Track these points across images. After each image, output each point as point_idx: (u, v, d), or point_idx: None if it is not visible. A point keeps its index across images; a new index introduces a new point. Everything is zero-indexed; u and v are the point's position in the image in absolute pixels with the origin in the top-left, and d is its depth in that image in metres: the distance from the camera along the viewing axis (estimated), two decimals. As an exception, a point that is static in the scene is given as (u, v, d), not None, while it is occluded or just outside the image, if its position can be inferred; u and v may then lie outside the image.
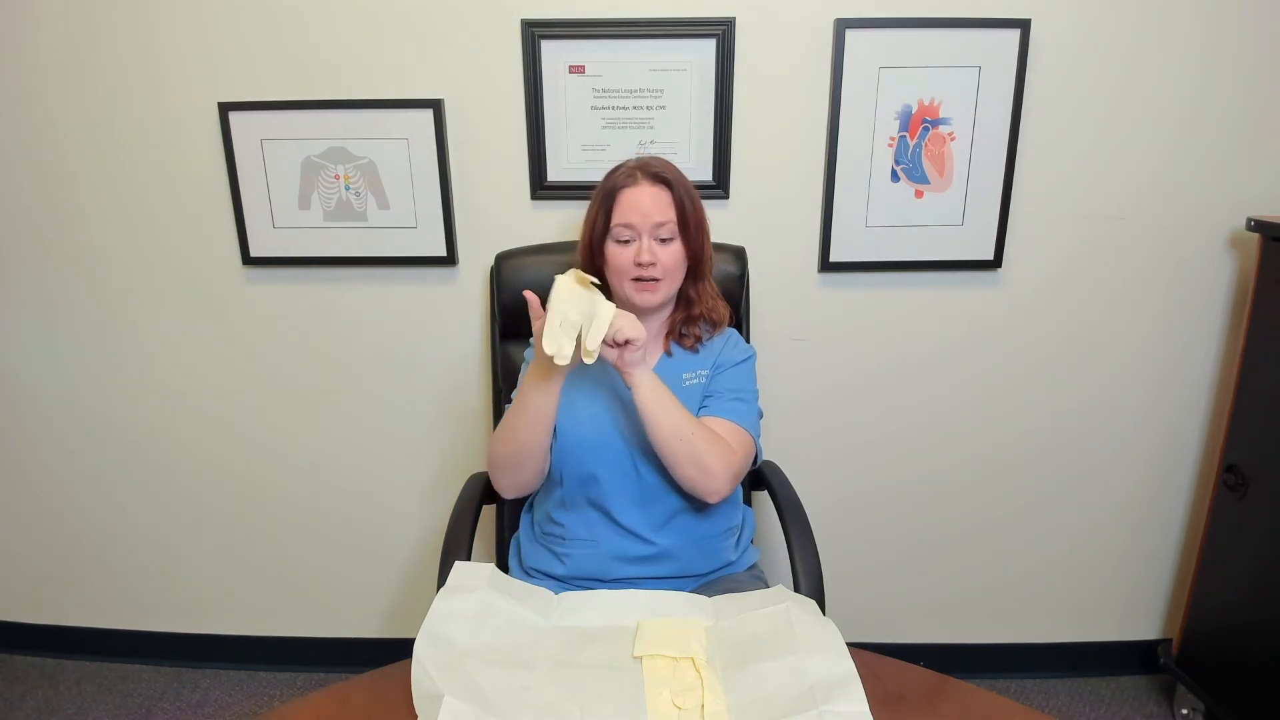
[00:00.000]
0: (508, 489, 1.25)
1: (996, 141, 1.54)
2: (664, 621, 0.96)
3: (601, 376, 1.22)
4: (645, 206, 1.18)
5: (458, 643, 0.89)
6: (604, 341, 1.06)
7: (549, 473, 1.23)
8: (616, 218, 1.19)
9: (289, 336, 1.72)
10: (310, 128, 1.56)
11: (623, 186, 1.19)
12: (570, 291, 1.04)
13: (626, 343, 1.08)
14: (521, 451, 1.17)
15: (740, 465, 1.19)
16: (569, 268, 1.34)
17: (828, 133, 1.55)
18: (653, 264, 1.18)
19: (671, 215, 1.19)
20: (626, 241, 1.19)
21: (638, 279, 1.19)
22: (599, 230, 1.21)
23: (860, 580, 1.85)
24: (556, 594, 1.03)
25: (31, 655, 1.98)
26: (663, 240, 1.19)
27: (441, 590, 0.98)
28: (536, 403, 1.13)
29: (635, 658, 0.90)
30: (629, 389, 1.13)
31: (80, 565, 1.92)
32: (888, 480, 1.79)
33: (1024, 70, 1.50)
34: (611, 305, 1.05)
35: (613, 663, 0.90)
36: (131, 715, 1.80)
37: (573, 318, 1.02)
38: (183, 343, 1.73)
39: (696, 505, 1.22)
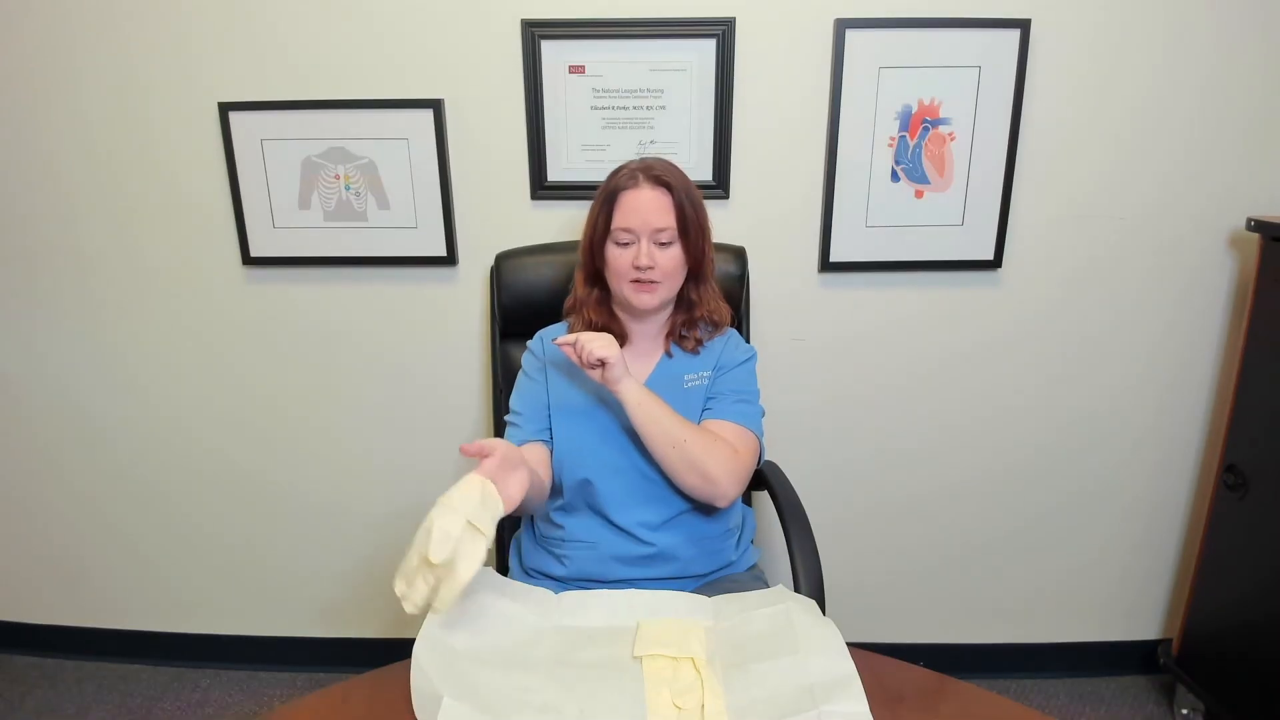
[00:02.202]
0: (515, 512, 1.27)
1: (996, 141, 1.54)
2: (664, 621, 0.96)
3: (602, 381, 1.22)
4: (645, 210, 1.18)
5: (457, 644, 0.89)
6: (586, 364, 1.12)
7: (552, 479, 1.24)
8: (617, 220, 1.19)
9: (288, 337, 1.72)
10: (310, 128, 1.56)
11: (624, 189, 1.19)
12: (449, 529, 0.89)
13: (602, 363, 1.11)
14: (526, 502, 1.19)
15: (746, 467, 1.20)
16: (570, 269, 1.35)
17: (828, 132, 1.55)
18: (651, 267, 1.18)
19: (671, 220, 1.19)
20: (626, 244, 1.19)
21: (636, 281, 1.20)
22: (600, 232, 1.22)
23: (859, 581, 1.85)
24: (556, 594, 1.03)
25: (31, 655, 1.98)
26: (662, 244, 1.19)
27: None
28: (534, 478, 1.10)
29: (635, 658, 0.90)
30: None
31: (80, 565, 1.92)
32: (886, 480, 1.79)
33: (1024, 70, 1.50)
34: (478, 563, 0.88)
35: (613, 663, 0.90)
36: (131, 715, 1.80)
37: (437, 558, 0.87)
38: (184, 343, 1.73)
39: (702, 506, 1.22)
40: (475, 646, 0.89)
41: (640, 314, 1.25)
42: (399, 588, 0.90)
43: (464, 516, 0.90)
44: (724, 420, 1.21)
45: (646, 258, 1.17)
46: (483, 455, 0.98)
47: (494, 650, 0.90)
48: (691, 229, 1.20)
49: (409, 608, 0.89)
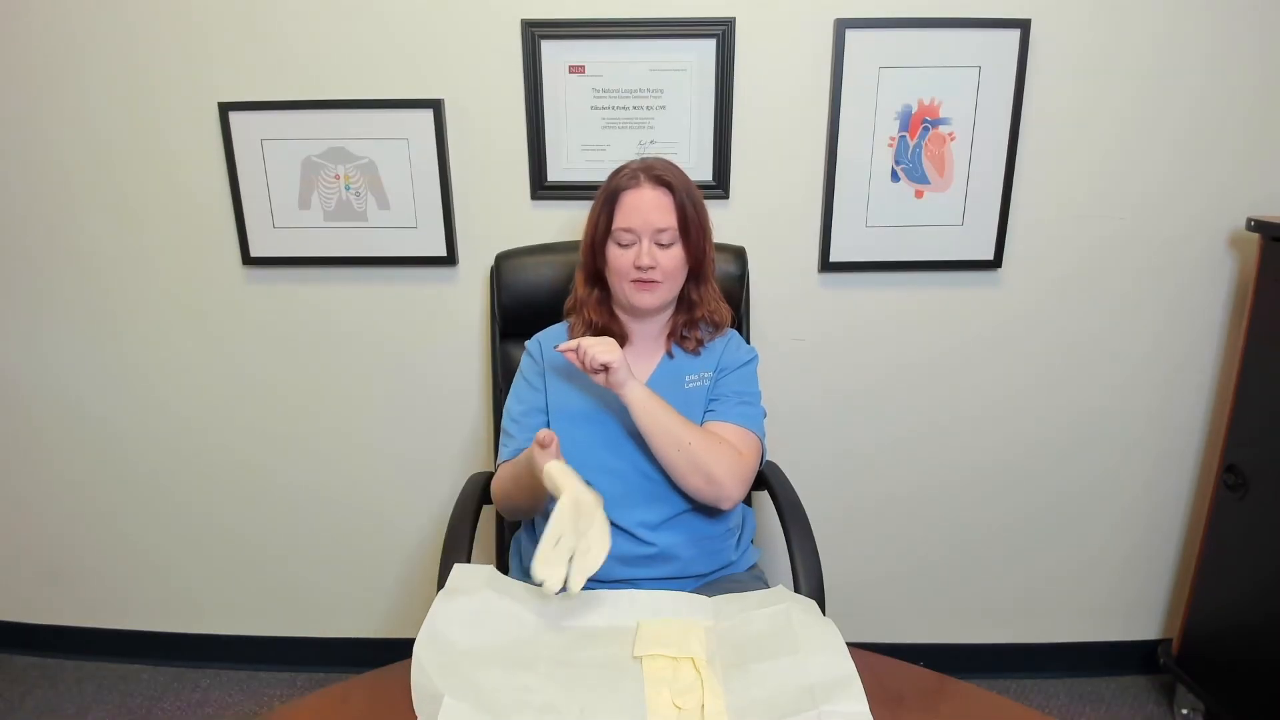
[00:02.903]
0: (512, 518, 1.31)
1: (996, 141, 1.54)
2: (664, 621, 0.96)
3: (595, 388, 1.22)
4: (646, 210, 1.18)
5: (457, 644, 0.89)
6: (589, 369, 1.12)
7: None
8: (618, 221, 1.19)
9: (288, 336, 1.72)
10: (310, 128, 1.56)
11: (625, 189, 1.19)
12: (574, 512, 0.99)
13: (605, 368, 1.11)
14: (522, 509, 1.22)
15: (749, 470, 1.20)
16: (570, 269, 1.36)
17: (828, 132, 1.55)
18: (652, 267, 1.18)
19: (673, 220, 1.19)
20: (628, 244, 1.19)
21: (637, 280, 1.20)
22: (601, 232, 1.22)
23: (859, 581, 1.85)
24: (556, 593, 1.03)
25: (31, 655, 1.98)
26: (663, 244, 1.19)
27: (440, 593, 0.97)
28: (535, 484, 1.10)
29: (635, 658, 0.90)
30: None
31: (80, 565, 1.91)
32: (886, 481, 1.79)
33: (1024, 70, 1.50)
34: (607, 539, 0.99)
35: (613, 663, 0.89)
36: (131, 715, 1.80)
37: (568, 541, 0.97)
38: (183, 342, 1.73)
39: (703, 506, 1.22)
40: (476, 645, 0.90)
41: (641, 314, 1.25)
42: (540, 572, 0.94)
43: (588, 496, 1.01)
44: (726, 423, 1.21)
45: (648, 258, 1.17)
46: (546, 445, 1.05)
47: (494, 650, 0.90)
48: (693, 229, 1.20)
49: (552, 588, 0.94)
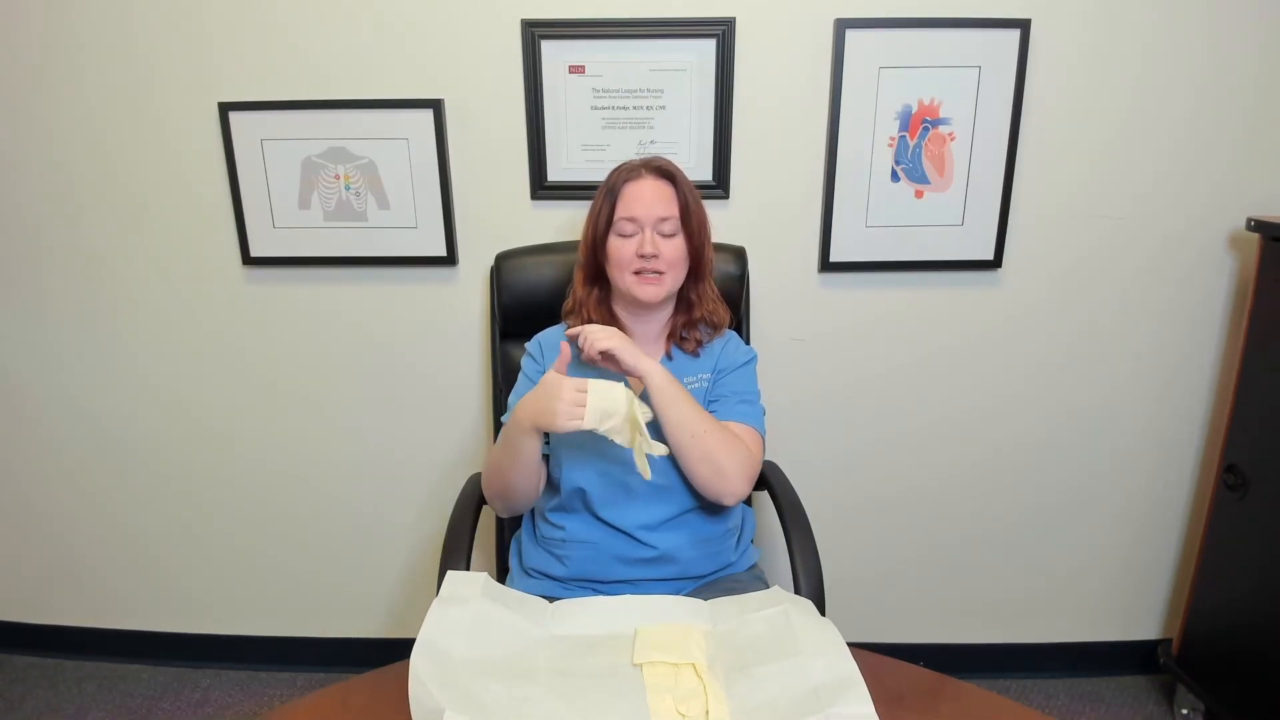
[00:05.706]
0: (503, 512, 1.29)
1: (996, 141, 1.54)
2: (662, 628, 0.95)
3: (600, 377, 1.22)
4: (649, 200, 1.19)
5: (455, 655, 0.87)
6: (588, 356, 1.14)
7: (548, 478, 1.24)
8: (620, 211, 1.20)
9: (289, 336, 1.72)
10: (310, 128, 1.56)
11: (627, 181, 1.20)
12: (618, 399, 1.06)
13: (610, 355, 1.12)
14: (511, 488, 1.20)
15: (756, 467, 1.20)
16: (570, 269, 1.36)
17: (828, 133, 1.55)
18: (655, 256, 1.18)
19: (674, 210, 1.19)
20: (629, 235, 1.20)
21: (639, 272, 1.20)
22: (602, 225, 1.22)
23: (859, 581, 1.85)
24: (551, 602, 1.02)
25: (31, 655, 1.98)
26: (665, 234, 1.20)
27: (435, 602, 0.95)
28: (522, 446, 1.13)
29: (635, 665, 0.89)
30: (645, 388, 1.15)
31: (80, 565, 1.92)
32: (886, 481, 1.79)
33: (1024, 70, 1.50)
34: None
35: (613, 671, 0.88)
36: (131, 715, 1.80)
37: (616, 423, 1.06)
38: (183, 342, 1.73)
39: (703, 505, 1.22)
40: (474, 656, 0.88)
41: (642, 312, 1.25)
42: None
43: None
44: (730, 421, 1.21)
45: (651, 245, 1.18)
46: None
47: (493, 661, 0.88)
48: (694, 220, 1.21)
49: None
